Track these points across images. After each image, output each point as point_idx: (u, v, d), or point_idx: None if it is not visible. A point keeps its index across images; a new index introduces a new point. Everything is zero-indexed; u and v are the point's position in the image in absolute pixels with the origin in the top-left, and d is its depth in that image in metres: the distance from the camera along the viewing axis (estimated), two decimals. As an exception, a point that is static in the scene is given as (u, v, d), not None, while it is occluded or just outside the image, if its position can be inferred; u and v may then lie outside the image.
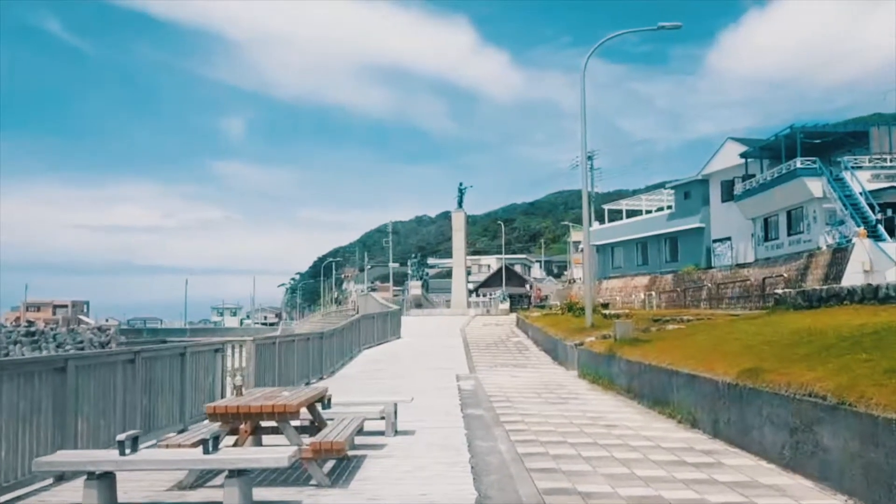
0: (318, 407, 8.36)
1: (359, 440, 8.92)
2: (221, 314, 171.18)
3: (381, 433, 9.45)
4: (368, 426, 9.06)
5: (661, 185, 55.83)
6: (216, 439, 6.05)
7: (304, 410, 7.96)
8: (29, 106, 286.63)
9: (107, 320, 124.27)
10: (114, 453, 5.84)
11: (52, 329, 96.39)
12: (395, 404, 9.65)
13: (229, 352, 12.66)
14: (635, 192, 65.62)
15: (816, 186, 34.70)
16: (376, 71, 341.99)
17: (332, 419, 8.31)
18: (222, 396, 11.48)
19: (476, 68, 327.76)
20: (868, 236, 30.78)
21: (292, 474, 7.04)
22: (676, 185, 50.48)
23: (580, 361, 18.06)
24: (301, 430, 8.17)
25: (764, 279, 32.09)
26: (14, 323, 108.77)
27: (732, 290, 37.24)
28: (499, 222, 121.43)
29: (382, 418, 9.38)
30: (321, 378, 18.10)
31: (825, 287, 15.04)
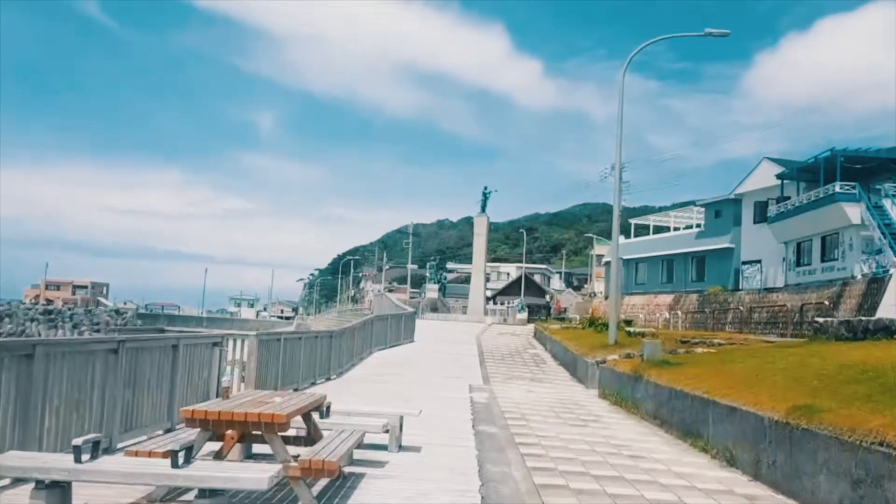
0: (315, 416, 7.51)
1: (358, 454, 8.06)
2: (238, 305, 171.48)
3: (384, 447, 8.59)
4: (371, 438, 8.19)
5: (689, 203, 54.54)
6: (189, 451, 5.22)
7: (299, 418, 7.14)
8: (64, 88, 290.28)
9: (125, 303, 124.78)
10: (68, 459, 5.01)
11: (69, 309, 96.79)
12: (401, 417, 8.77)
13: (230, 346, 11.88)
14: (661, 209, 64.19)
15: (854, 213, 33.40)
16: (409, 72, 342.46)
17: (330, 430, 7.48)
18: (217, 394, 10.69)
19: (508, 75, 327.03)
20: (907, 267, 29.47)
21: (278, 492, 6.19)
22: (707, 202, 49.20)
23: (601, 380, 17.08)
24: (293, 440, 7.34)
25: (802, 306, 30.78)
26: (33, 300, 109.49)
27: (760, 315, 35.97)
28: (521, 230, 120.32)
29: (386, 431, 8.51)
30: (328, 379, 17.30)
31: (873, 318, 13.96)
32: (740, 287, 43.17)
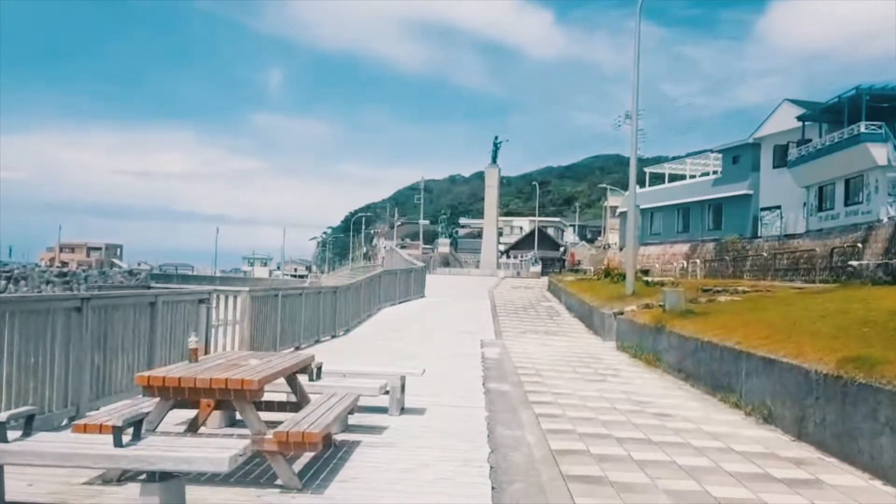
0: (304, 379, 6.69)
1: (356, 418, 7.26)
2: (252, 264, 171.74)
3: (385, 410, 7.78)
4: (372, 401, 7.37)
5: (705, 152, 52.94)
6: (138, 425, 4.40)
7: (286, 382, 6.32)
8: (76, 52, 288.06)
9: (139, 264, 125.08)
10: (-6, 438, 4.20)
11: (84, 271, 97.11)
12: (403, 377, 7.94)
13: (220, 303, 11.07)
14: (675, 159, 62.48)
15: (881, 153, 31.98)
16: (418, 25, 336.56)
17: (320, 394, 6.66)
18: (207, 354, 9.90)
19: (519, 26, 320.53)
20: (937, 209, 28.26)
21: (256, 468, 5.38)
22: (724, 148, 47.67)
23: (619, 332, 16.23)
24: (279, 406, 6.53)
25: (832, 250, 29.64)
26: (48, 263, 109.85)
27: (781, 262, 34.83)
28: (533, 184, 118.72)
29: (386, 393, 7.68)
30: (334, 336, 16.56)
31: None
32: (759, 234, 41.93)
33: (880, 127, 32.38)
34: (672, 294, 13.57)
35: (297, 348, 13.91)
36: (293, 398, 6.56)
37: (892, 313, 8.25)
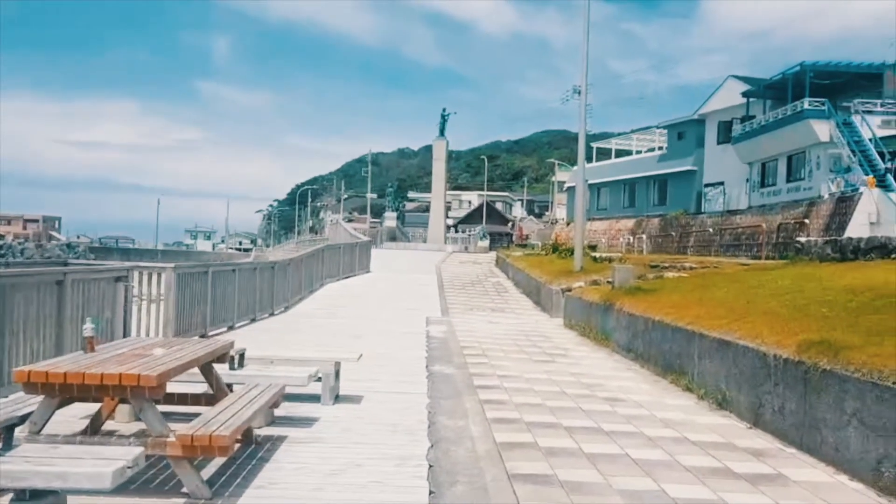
0: (221, 369, 6.01)
1: (284, 409, 6.62)
2: (195, 237, 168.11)
3: (318, 398, 7.15)
4: (304, 388, 6.71)
5: (650, 128, 53.07)
6: (10, 430, 3.71)
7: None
8: (8, 13, 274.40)
9: (78, 237, 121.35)
10: None
11: (20, 244, 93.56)
12: (337, 364, 7.32)
13: (142, 281, 10.24)
14: (622, 135, 62.53)
15: (823, 130, 32.33)
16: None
17: (242, 384, 6.00)
18: (125, 337, 9.11)
19: (469, 0, 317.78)
20: (877, 185, 28.66)
21: (164, 471, 4.72)
22: (670, 124, 47.83)
23: (567, 309, 15.86)
24: (194, 399, 5.86)
25: (778, 225, 29.90)
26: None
27: (723, 238, 35.13)
28: (482, 158, 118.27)
29: (320, 379, 7.06)
30: (272, 314, 15.81)
31: (865, 237, 12.81)
32: (703, 210, 42.32)
33: (823, 104, 32.70)
34: (622, 270, 13.20)
35: (231, 328, 13.16)
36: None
37: (850, 292, 7.95)
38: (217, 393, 5.65)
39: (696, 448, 6.01)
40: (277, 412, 6.50)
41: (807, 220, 26.80)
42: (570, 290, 16.56)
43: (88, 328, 4.94)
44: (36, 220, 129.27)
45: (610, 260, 21.53)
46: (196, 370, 5.55)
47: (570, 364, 10.61)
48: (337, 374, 7.36)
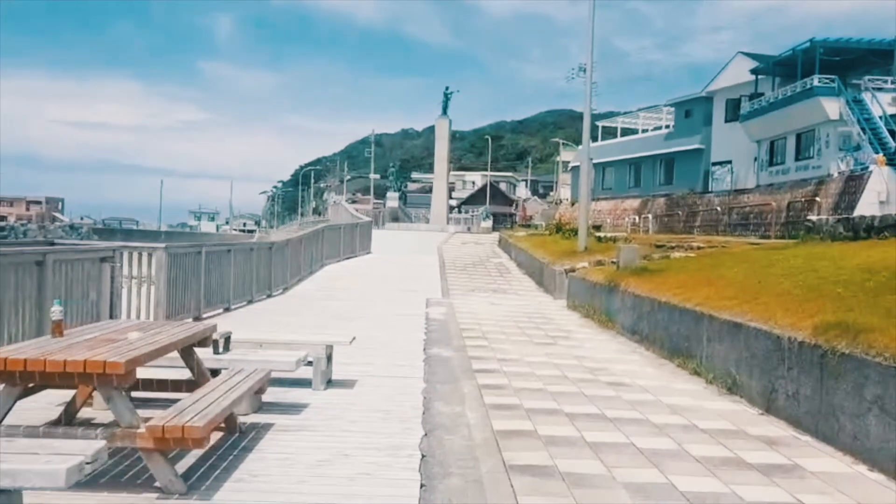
0: (204, 353, 5.70)
1: (273, 395, 6.32)
2: (199, 218, 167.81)
3: (309, 383, 6.85)
4: (296, 373, 6.39)
5: (657, 107, 52.37)
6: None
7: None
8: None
9: (81, 218, 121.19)
10: None
11: (22, 225, 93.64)
12: (329, 347, 7.01)
13: (132, 261, 9.94)
14: (627, 114, 61.79)
15: (833, 107, 31.73)
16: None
17: (226, 369, 5.69)
18: (112, 318, 8.81)
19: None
20: (887, 164, 28.16)
21: (137, 463, 4.42)
22: (677, 101, 47.16)
23: (570, 290, 15.53)
24: (174, 386, 5.55)
25: (789, 203, 29.46)
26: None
27: (731, 217, 34.66)
28: (486, 138, 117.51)
29: (310, 363, 6.75)
30: (269, 296, 15.51)
31: (878, 215, 12.43)
32: (710, 189, 41.80)
33: (833, 81, 32.10)
34: (627, 250, 12.84)
35: (227, 310, 12.88)
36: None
37: (866, 271, 7.60)
38: (198, 379, 5.33)
39: (706, 436, 5.69)
40: (266, 398, 6.21)
41: (818, 199, 26.29)
42: (573, 270, 16.22)
43: (56, 311, 4.62)
44: (39, 202, 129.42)
45: (615, 240, 21.15)
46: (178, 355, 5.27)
47: (573, 347, 10.29)
48: (329, 358, 7.05)
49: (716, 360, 7.63)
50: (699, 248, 16.91)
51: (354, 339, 7.41)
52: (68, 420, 5.15)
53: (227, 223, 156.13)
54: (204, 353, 5.86)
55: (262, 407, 5.99)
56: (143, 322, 6.11)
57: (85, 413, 5.45)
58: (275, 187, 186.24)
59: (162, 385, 5.46)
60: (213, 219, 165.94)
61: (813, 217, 14.36)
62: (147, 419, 4.09)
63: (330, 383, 7.07)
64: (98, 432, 4.07)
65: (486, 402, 6.59)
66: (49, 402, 5.50)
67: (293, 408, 6.09)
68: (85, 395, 5.23)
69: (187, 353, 5.29)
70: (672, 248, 17.29)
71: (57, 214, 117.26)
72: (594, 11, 20.39)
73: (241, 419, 5.46)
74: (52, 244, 10.25)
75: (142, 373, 5.84)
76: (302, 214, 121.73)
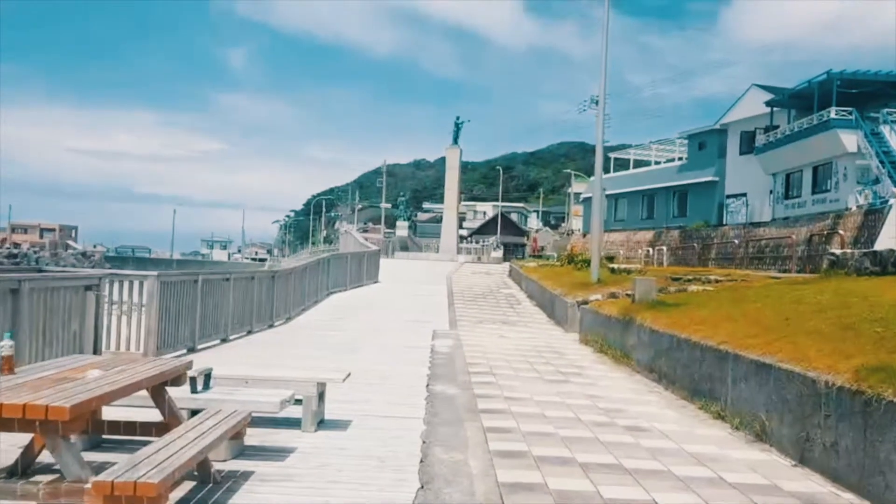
0: (179, 392, 5.16)
1: (258, 437, 5.78)
2: (211, 247, 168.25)
3: (299, 423, 6.29)
4: (285, 411, 5.85)
5: (670, 139, 51.95)
6: None
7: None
8: (29, 25, 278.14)
9: (94, 246, 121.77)
10: None
11: (35, 252, 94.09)
12: (321, 385, 6.45)
13: (123, 289, 9.47)
14: (640, 146, 61.41)
15: (851, 140, 31.22)
16: (387, 9, 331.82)
17: (203, 410, 5.15)
18: (96, 351, 8.32)
19: (488, 13, 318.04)
20: (907, 197, 27.49)
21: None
22: (690, 134, 46.76)
23: (583, 323, 14.93)
24: (143, 429, 5.01)
25: (810, 237, 28.81)
26: (0, 243, 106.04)
27: (747, 251, 33.98)
28: (497, 169, 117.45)
29: (299, 402, 6.20)
30: (271, 326, 15.01)
31: (909, 249, 11.82)
32: (724, 222, 41.18)
33: (851, 113, 31.62)
34: (643, 282, 12.25)
35: (224, 340, 12.37)
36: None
37: (904, 309, 6.99)
38: (169, 421, 4.80)
39: (736, 492, 5.09)
40: (251, 440, 5.67)
41: (841, 232, 25.62)
42: (586, 302, 15.63)
43: (5, 345, 4.11)
44: (53, 230, 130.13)
45: (628, 272, 20.56)
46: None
47: (586, 384, 9.68)
48: (321, 396, 6.50)
49: (742, 403, 7.02)
50: (717, 281, 16.30)
51: (349, 375, 6.85)
52: (25, 466, 4.62)
53: (239, 252, 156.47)
54: (182, 392, 5.35)
55: (243, 452, 5.44)
56: (107, 358, 5.58)
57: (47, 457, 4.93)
58: (287, 216, 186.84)
59: (130, 428, 4.93)
60: (225, 247, 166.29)
61: (836, 251, 13.73)
62: (111, 464, 3.56)
63: (322, 423, 6.51)
64: (40, 487, 3.54)
65: (492, 448, 6.00)
66: (12, 444, 4.96)
67: (278, 453, 5.53)
68: (39, 449, 4.70)
69: (158, 392, 4.76)
70: (689, 280, 16.69)
71: (70, 242, 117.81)
72: (607, 46, 20.05)
73: (217, 466, 4.92)
74: (41, 271, 9.80)
75: (110, 413, 5.36)
76: (313, 243, 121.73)
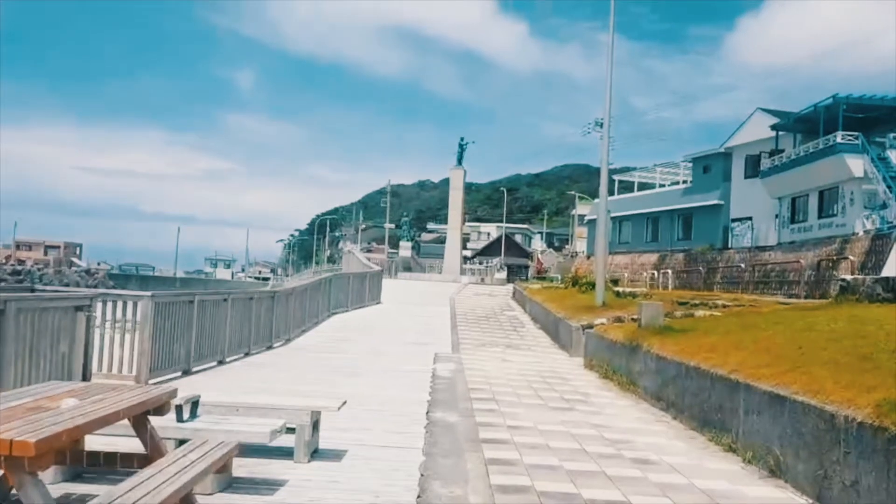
0: (163, 421, 4.91)
1: (247, 468, 5.51)
2: (215, 266, 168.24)
3: (292, 452, 6.02)
4: (278, 440, 5.60)
5: (674, 163, 51.84)
6: None
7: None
8: (37, 44, 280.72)
9: (98, 264, 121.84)
10: None
11: (39, 269, 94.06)
12: (314, 413, 6.19)
13: (116, 310, 9.24)
14: (644, 169, 61.37)
15: (857, 165, 31.03)
16: (392, 32, 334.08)
17: (189, 440, 4.89)
18: (85, 377, 8.06)
19: (493, 36, 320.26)
20: (916, 222, 27.25)
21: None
22: (695, 157, 46.66)
23: (588, 348, 14.64)
24: (125, 460, 4.75)
25: (819, 262, 28.53)
26: (3, 261, 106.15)
27: (752, 275, 33.67)
28: (501, 190, 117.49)
29: (292, 431, 5.94)
30: (270, 347, 14.75)
31: (922, 275, 11.53)
32: (729, 245, 40.93)
33: (857, 137, 31.45)
34: (650, 307, 11.97)
35: (221, 363, 12.11)
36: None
37: (923, 339, 6.72)
38: (152, 453, 4.53)
39: (751, 535, 4.80)
40: (239, 472, 5.41)
41: (851, 257, 25.35)
42: (591, 326, 15.35)
43: (-24, 372, 3.87)
44: (57, 247, 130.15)
45: (634, 295, 20.29)
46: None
47: (592, 413, 9.39)
48: (315, 425, 6.22)
49: (755, 435, 6.73)
50: (725, 306, 16.01)
51: (345, 403, 6.58)
52: (1, 499, 4.36)
53: (242, 270, 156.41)
54: (167, 421, 5.10)
55: (231, 484, 5.17)
56: (86, 385, 5.33)
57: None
58: (292, 235, 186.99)
59: (110, 459, 4.67)
60: (228, 266, 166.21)
61: (847, 276, 13.46)
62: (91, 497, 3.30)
63: (316, 453, 6.23)
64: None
65: (493, 482, 5.72)
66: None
67: (267, 486, 5.26)
68: (11, 484, 4.44)
69: (140, 422, 4.50)
70: (695, 305, 16.41)
71: (74, 259, 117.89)
72: (612, 70, 19.95)
73: (202, 501, 4.65)
74: (33, 290, 9.58)
75: (94, 441, 5.10)
76: (317, 262, 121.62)
